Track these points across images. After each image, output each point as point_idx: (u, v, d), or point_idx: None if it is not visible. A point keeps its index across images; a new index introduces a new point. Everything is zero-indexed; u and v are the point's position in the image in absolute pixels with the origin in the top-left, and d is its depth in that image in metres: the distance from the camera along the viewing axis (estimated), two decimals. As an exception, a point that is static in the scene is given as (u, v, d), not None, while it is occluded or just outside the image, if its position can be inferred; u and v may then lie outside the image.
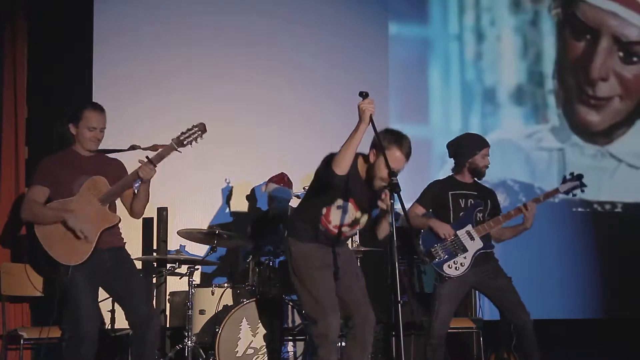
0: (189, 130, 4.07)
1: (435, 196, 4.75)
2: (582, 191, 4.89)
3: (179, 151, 4.06)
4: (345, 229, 4.00)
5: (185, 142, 4.05)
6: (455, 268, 4.59)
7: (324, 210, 3.95)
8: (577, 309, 6.74)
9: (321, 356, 3.91)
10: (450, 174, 4.85)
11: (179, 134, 4.06)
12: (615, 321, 6.66)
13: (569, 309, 6.69)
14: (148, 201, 4.22)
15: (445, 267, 4.60)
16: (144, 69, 6.02)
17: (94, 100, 5.75)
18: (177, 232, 5.30)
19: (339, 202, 3.95)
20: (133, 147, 4.37)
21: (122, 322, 5.14)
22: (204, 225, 5.83)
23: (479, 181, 4.83)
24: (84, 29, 5.87)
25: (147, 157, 4.06)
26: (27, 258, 5.32)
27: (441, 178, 4.91)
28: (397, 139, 3.89)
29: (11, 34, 5.48)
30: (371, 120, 3.67)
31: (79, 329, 3.99)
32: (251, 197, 6.19)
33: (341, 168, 3.69)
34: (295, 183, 5.90)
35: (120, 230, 4.29)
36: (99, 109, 4.22)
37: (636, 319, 6.55)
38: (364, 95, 3.74)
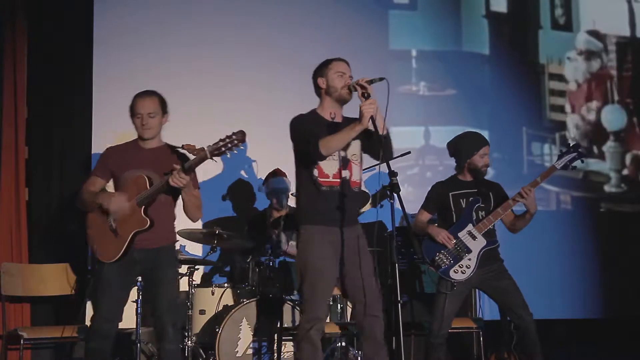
0: (227, 137, 3.80)
1: (438, 199, 4.73)
2: (582, 162, 4.73)
3: (213, 160, 3.86)
4: (344, 173, 3.93)
5: (222, 151, 3.79)
6: (462, 272, 4.55)
7: (316, 172, 3.91)
8: (577, 309, 6.73)
9: (301, 349, 3.86)
10: (454, 172, 4.83)
11: (217, 140, 3.81)
12: (615, 321, 6.65)
13: (569, 309, 6.69)
14: (199, 205, 4.10)
15: (451, 272, 4.55)
16: (144, 69, 6.02)
17: (93, 101, 5.81)
18: (177, 232, 5.29)
19: None
20: (185, 147, 4.17)
21: (122, 322, 5.16)
22: (203, 225, 5.83)
23: (483, 178, 4.76)
24: (84, 29, 5.87)
25: (181, 163, 3.92)
26: (28, 258, 5.35)
27: (443, 180, 4.88)
28: (329, 60, 4.06)
29: (11, 34, 5.49)
30: (372, 120, 3.70)
31: (93, 324, 4.02)
32: (250, 197, 6.19)
33: (328, 152, 3.81)
34: (293, 183, 5.90)
35: (174, 227, 4.19)
36: (142, 94, 4.09)
37: (636, 319, 6.55)
38: (365, 96, 3.77)
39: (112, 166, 4.08)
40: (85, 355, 4.06)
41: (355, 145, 3.98)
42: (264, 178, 5.88)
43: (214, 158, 3.84)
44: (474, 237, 4.59)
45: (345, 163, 3.93)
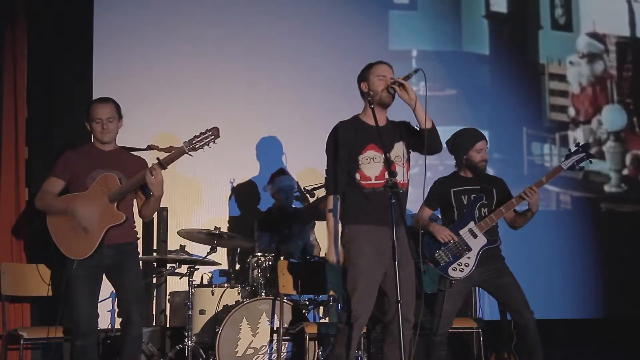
0: (202, 134, 4.03)
1: (440, 195, 4.71)
2: (590, 162, 4.72)
3: (190, 155, 4.04)
4: (387, 174, 3.94)
5: (197, 146, 4.02)
6: (460, 270, 4.54)
7: (358, 176, 3.96)
8: (577, 309, 6.74)
9: (336, 344, 3.97)
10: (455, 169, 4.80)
11: (192, 137, 4.03)
12: (615, 321, 6.65)
13: (569, 309, 6.69)
14: (157, 210, 4.27)
15: (450, 270, 4.54)
16: (144, 69, 6.02)
17: (94, 100, 5.81)
18: (177, 232, 5.30)
19: (362, 157, 3.97)
20: (150, 147, 4.39)
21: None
22: (204, 225, 5.83)
23: (486, 173, 4.74)
24: (84, 29, 5.87)
25: (157, 159, 4.07)
26: (28, 258, 5.35)
27: (445, 175, 4.86)
28: (371, 63, 4.09)
29: (11, 34, 5.48)
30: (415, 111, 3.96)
31: (75, 324, 4.09)
32: (251, 197, 6.19)
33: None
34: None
35: (134, 225, 4.30)
36: (102, 100, 4.26)
37: (636, 319, 6.55)
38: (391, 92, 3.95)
39: (74, 168, 4.19)
40: (73, 355, 4.15)
41: (399, 147, 4.01)
42: (266, 177, 5.88)
43: (190, 153, 4.03)
44: (474, 235, 4.57)
45: (388, 165, 3.94)
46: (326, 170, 4.05)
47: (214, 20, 6.27)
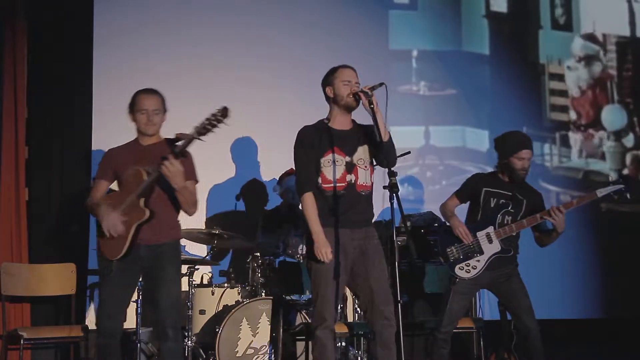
0: (212, 114, 3.85)
1: (472, 190, 4.66)
2: (629, 196, 4.54)
3: (201, 139, 3.85)
4: (349, 177, 3.96)
5: (207, 130, 3.83)
6: (467, 271, 4.52)
7: (320, 179, 3.95)
8: (577, 309, 6.74)
9: (312, 349, 3.98)
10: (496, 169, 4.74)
11: (203, 120, 3.85)
12: (615, 321, 6.66)
13: (569, 309, 6.69)
14: (192, 201, 4.05)
15: (457, 268, 4.53)
16: (144, 69, 6.01)
17: (93, 101, 5.82)
18: (177, 232, 5.29)
19: (324, 160, 3.96)
20: (177, 137, 4.17)
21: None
22: (204, 225, 5.83)
23: (525, 182, 4.66)
24: (84, 29, 5.87)
25: (171, 149, 3.92)
26: (28, 258, 5.35)
27: (484, 172, 4.82)
28: (335, 67, 4.07)
29: (11, 34, 5.49)
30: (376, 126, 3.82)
31: (98, 323, 4.04)
32: (252, 196, 6.19)
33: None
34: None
35: (177, 222, 4.14)
36: (148, 91, 4.13)
37: (636, 319, 6.55)
38: (371, 105, 3.84)
39: (115, 166, 4.09)
40: (96, 353, 4.08)
41: (362, 150, 4.01)
42: (266, 177, 5.86)
43: (201, 137, 3.85)
44: (490, 240, 4.54)
45: (350, 167, 3.96)
46: (295, 173, 4.06)
47: (214, 20, 6.27)
